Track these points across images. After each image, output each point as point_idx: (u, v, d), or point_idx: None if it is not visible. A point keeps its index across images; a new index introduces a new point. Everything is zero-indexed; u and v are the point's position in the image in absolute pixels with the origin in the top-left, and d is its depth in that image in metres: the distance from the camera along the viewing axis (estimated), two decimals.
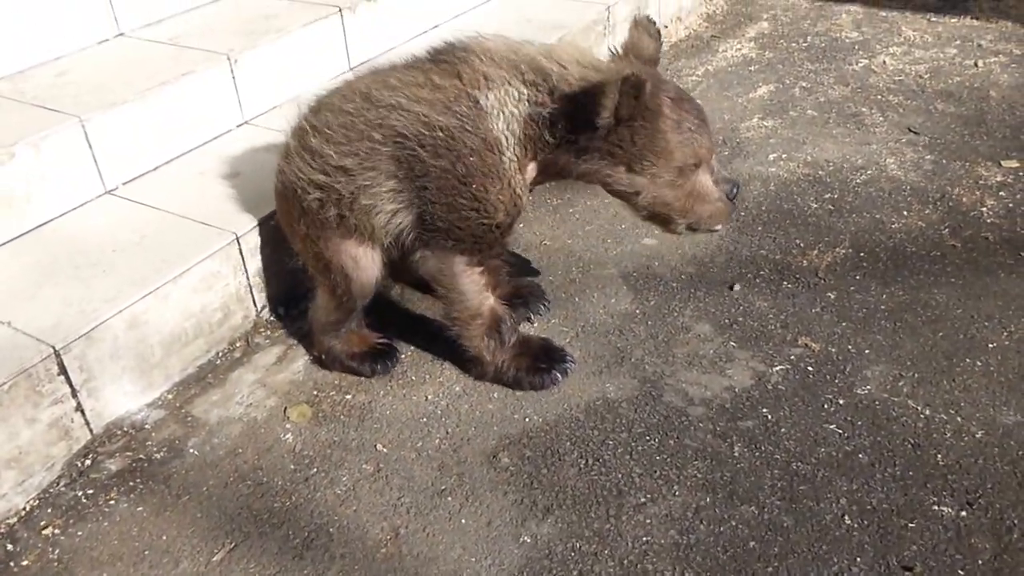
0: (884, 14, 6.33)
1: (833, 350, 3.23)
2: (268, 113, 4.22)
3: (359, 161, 2.81)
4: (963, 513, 2.61)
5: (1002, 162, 4.38)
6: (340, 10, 4.48)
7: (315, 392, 3.17)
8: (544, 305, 3.50)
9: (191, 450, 2.98)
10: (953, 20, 6.16)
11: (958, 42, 5.80)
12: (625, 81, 2.58)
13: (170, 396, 3.19)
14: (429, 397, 3.12)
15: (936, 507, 2.63)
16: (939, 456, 2.80)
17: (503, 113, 2.76)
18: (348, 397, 3.14)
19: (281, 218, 3.19)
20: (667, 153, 2.76)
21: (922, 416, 2.94)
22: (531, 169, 2.89)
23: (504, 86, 2.76)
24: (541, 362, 3.14)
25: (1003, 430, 2.88)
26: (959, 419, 2.93)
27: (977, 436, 2.86)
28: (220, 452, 2.96)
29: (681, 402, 3.04)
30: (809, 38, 6.00)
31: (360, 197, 2.85)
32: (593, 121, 2.68)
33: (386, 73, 2.92)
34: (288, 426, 3.04)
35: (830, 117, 4.91)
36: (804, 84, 5.32)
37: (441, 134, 2.72)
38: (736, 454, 2.84)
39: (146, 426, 3.08)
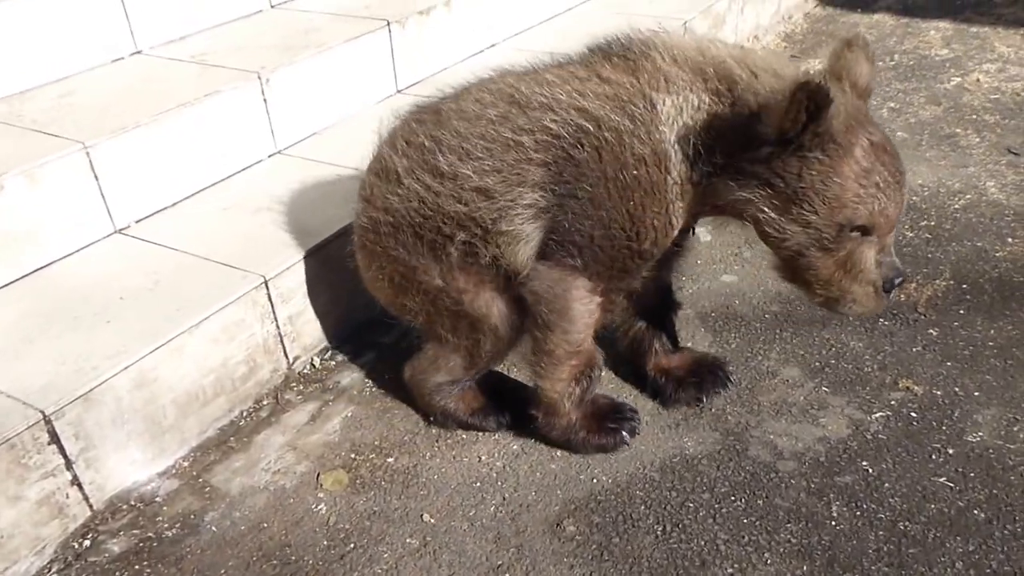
0: (975, 30, 6.27)
1: (938, 393, 3.09)
2: (305, 141, 4.11)
3: (503, 178, 2.56)
4: None
5: None
6: (388, 24, 4.40)
7: (352, 455, 3.03)
8: (725, 388, 3.15)
9: (209, 525, 2.83)
10: None
11: None
12: (801, 88, 2.20)
13: (185, 464, 3.05)
14: (483, 458, 2.98)
15: None
16: None
17: (678, 122, 2.46)
18: (390, 460, 3.00)
19: (380, 278, 2.92)
20: (836, 203, 2.34)
21: None
22: (691, 201, 2.57)
23: (684, 91, 2.46)
24: (610, 421, 2.95)
25: None
26: None
27: None
28: (242, 527, 2.81)
29: (769, 456, 2.90)
30: (896, 56, 5.92)
31: (500, 223, 2.60)
32: (755, 135, 2.36)
33: (533, 72, 2.68)
34: (321, 495, 2.89)
35: (922, 139, 4.79)
36: (893, 104, 5.22)
37: (608, 135, 2.45)
38: (834, 514, 2.68)
39: (156, 499, 2.93)
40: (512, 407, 3.05)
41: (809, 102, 2.21)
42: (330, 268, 3.38)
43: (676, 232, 2.63)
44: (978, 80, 5.44)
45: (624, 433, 2.94)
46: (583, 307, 2.68)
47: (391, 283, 2.89)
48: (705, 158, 2.45)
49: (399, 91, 4.48)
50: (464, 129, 2.61)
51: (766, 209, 2.42)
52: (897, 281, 2.49)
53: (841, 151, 2.31)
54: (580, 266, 2.61)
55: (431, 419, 3.09)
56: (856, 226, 2.38)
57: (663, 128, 2.46)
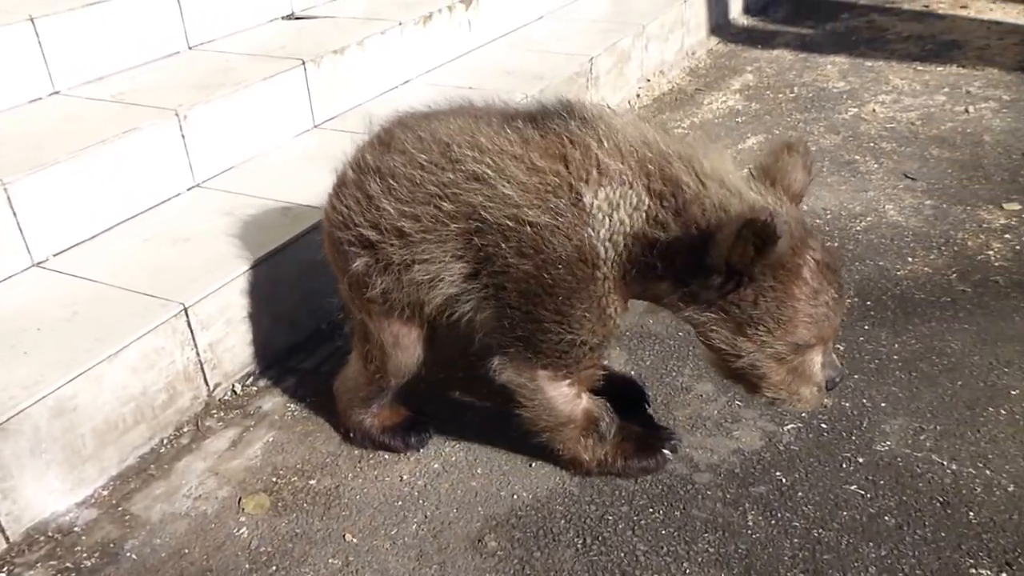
0: (870, 64, 6.38)
1: (847, 405, 3.08)
2: (223, 175, 4.04)
3: (421, 228, 2.46)
4: (1003, 575, 2.43)
5: (1004, 205, 4.33)
6: (303, 63, 4.36)
7: (274, 479, 2.94)
8: (645, 404, 3.11)
9: (128, 553, 2.70)
10: (940, 68, 6.20)
11: (946, 89, 5.82)
12: (747, 225, 2.11)
13: (105, 492, 2.92)
14: (404, 477, 2.91)
15: (973, 570, 2.46)
16: (971, 514, 2.63)
17: (610, 219, 2.32)
18: (312, 482, 2.91)
19: (331, 260, 2.86)
20: (791, 326, 2.30)
21: (948, 471, 2.78)
22: (629, 288, 2.46)
23: (622, 186, 2.32)
24: (647, 443, 2.85)
25: None
26: (988, 472, 2.77)
27: (1009, 490, 2.70)
28: (163, 554, 2.69)
29: (686, 469, 2.86)
30: (796, 88, 5.99)
31: (415, 269, 2.51)
32: (704, 266, 2.26)
33: (475, 124, 2.50)
34: (243, 519, 2.80)
35: (824, 165, 4.84)
36: (794, 134, 5.27)
37: (529, 230, 2.32)
38: (750, 523, 2.65)
39: (75, 529, 2.80)
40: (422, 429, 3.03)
41: (756, 238, 2.13)
42: (250, 296, 3.31)
43: (617, 318, 2.51)
44: (874, 110, 5.52)
45: (666, 451, 2.85)
46: (556, 392, 2.61)
47: (331, 259, 2.85)
48: (643, 262, 2.35)
49: (316, 126, 4.43)
50: (398, 165, 2.51)
51: (718, 329, 2.36)
52: (837, 380, 2.49)
53: (791, 275, 2.26)
54: (535, 360, 2.53)
55: (350, 435, 3.03)
56: (808, 343, 2.36)
57: (592, 224, 2.33)
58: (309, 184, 3.82)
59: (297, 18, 5.05)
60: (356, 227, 2.58)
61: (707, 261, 2.22)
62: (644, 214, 2.31)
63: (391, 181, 2.51)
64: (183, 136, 3.86)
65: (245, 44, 4.68)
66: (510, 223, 2.34)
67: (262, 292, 3.35)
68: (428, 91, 4.85)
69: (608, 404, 2.75)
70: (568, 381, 2.60)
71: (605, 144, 2.36)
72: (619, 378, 3.15)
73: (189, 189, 3.92)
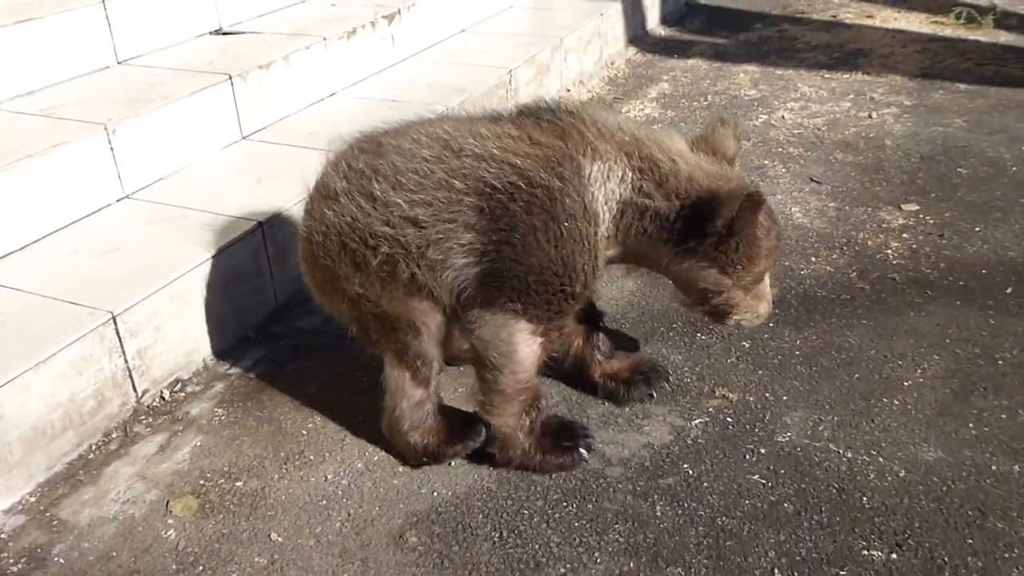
0: (780, 72, 6.47)
1: (751, 399, 3.16)
2: (152, 186, 4.01)
3: (434, 212, 2.63)
4: (893, 556, 2.52)
5: (902, 206, 4.43)
6: (230, 77, 4.36)
7: (202, 481, 2.94)
8: (667, 383, 3.26)
9: (56, 558, 2.68)
10: (846, 76, 6.33)
11: (852, 96, 5.94)
12: (749, 198, 2.58)
13: (33, 499, 2.90)
14: (329, 477, 2.93)
15: (866, 552, 2.54)
16: (864, 499, 2.71)
17: (604, 187, 2.65)
18: (239, 484, 2.92)
19: (317, 283, 2.91)
20: (757, 260, 2.76)
21: (844, 459, 2.86)
22: (613, 251, 2.79)
23: (610, 161, 2.65)
24: (564, 440, 2.94)
25: (925, 467, 2.82)
26: (881, 459, 2.86)
27: (901, 475, 2.79)
28: (91, 557, 2.68)
29: (598, 464, 2.91)
30: (710, 97, 6.07)
31: (429, 251, 2.66)
32: (705, 229, 2.67)
33: (467, 122, 2.78)
34: (170, 521, 2.79)
35: None
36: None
37: (540, 192, 2.58)
38: (659, 514, 2.71)
39: (2, 535, 2.77)
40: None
41: (752, 207, 2.60)
42: (179, 303, 3.31)
43: (602, 274, 2.80)
44: (783, 117, 5.62)
45: (581, 450, 2.93)
46: (528, 348, 2.75)
47: (322, 289, 2.90)
48: (634, 227, 2.72)
49: (244, 137, 4.43)
50: (400, 163, 2.68)
51: (706, 274, 2.77)
52: (776, 296, 3.02)
53: (753, 223, 2.68)
54: (520, 310, 2.68)
55: (424, 461, 2.94)
56: (766, 270, 2.84)
57: (591, 189, 2.63)
58: (236, 194, 3.85)
59: (225, 33, 5.04)
60: (369, 227, 2.69)
61: (710, 226, 2.65)
62: (630, 185, 2.67)
63: (398, 177, 2.67)
64: (112, 149, 3.84)
65: (174, 59, 4.66)
66: (522, 184, 2.58)
67: (190, 300, 3.35)
68: (353, 104, 4.89)
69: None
70: (541, 340, 2.77)
71: (592, 129, 2.68)
72: (645, 361, 3.33)
73: (118, 200, 3.89)
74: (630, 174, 2.66)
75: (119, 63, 4.62)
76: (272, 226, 3.65)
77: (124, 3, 4.59)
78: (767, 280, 2.91)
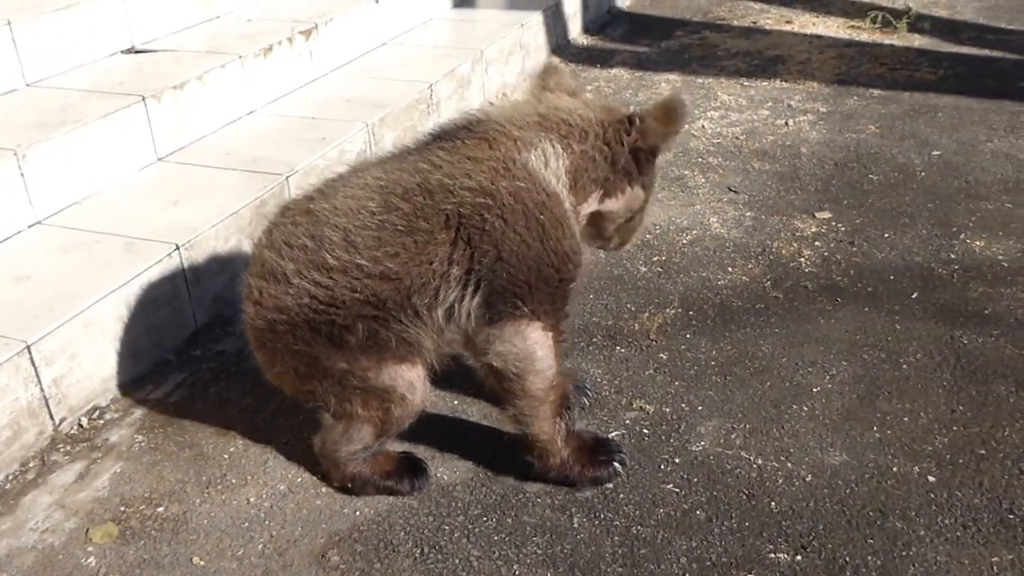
0: (701, 81, 6.63)
1: (667, 410, 3.29)
2: (65, 211, 4.05)
3: (405, 260, 2.64)
4: (798, 558, 2.68)
5: (816, 214, 4.62)
6: (143, 99, 4.40)
7: (122, 508, 3.01)
8: (587, 396, 3.36)
9: None
10: (764, 83, 6.51)
11: (770, 103, 6.13)
12: (680, 102, 2.79)
13: None
14: (251, 500, 3.02)
15: (772, 555, 2.69)
16: (772, 504, 2.87)
17: (549, 168, 2.74)
18: (160, 510, 3.00)
19: (285, 373, 2.88)
20: (652, 185, 3.03)
21: (755, 466, 3.01)
22: (582, 221, 2.95)
23: (541, 144, 2.75)
24: (600, 454, 3.02)
25: (830, 471, 2.98)
26: (789, 465, 3.01)
27: (807, 480, 2.95)
28: None
29: (517, 479, 3.03)
30: (632, 107, 6.13)
31: (412, 299, 2.68)
32: (657, 142, 2.89)
33: (391, 164, 2.81)
34: (91, 549, 2.86)
35: (656, 182, 5.02)
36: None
37: (508, 198, 2.66)
38: (576, 525, 2.83)
39: None
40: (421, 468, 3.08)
41: (681, 110, 2.79)
42: (95, 330, 3.37)
43: (584, 252, 2.90)
44: (703, 126, 5.79)
45: (616, 464, 3.01)
46: (545, 347, 2.81)
47: (297, 374, 2.86)
48: (590, 177, 2.84)
49: (160, 159, 4.48)
50: (346, 223, 2.67)
51: (635, 200, 2.97)
52: None
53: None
54: (528, 313, 2.74)
55: (348, 487, 3.01)
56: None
57: (543, 175, 2.73)
58: (152, 217, 3.91)
59: (138, 52, 5.07)
60: (335, 301, 2.68)
61: (649, 142, 2.85)
62: (566, 153, 2.78)
63: (350, 240, 2.66)
64: (22, 175, 3.87)
65: (84, 80, 4.69)
66: (489, 201, 2.65)
67: (106, 326, 3.41)
68: (272, 122, 4.96)
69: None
70: (552, 335, 2.83)
71: (508, 126, 2.77)
72: (566, 372, 3.32)
73: (30, 227, 3.93)
74: (558, 146, 2.76)
75: (27, 85, 4.65)
76: (189, 248, 3.72)
77: (31, 23, 4.63)
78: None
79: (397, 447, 3.10)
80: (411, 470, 3.05)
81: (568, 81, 3.05)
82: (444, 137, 2.82)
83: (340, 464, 2.98)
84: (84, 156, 4.14)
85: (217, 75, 4.80)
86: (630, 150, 2.85)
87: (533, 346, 2.78)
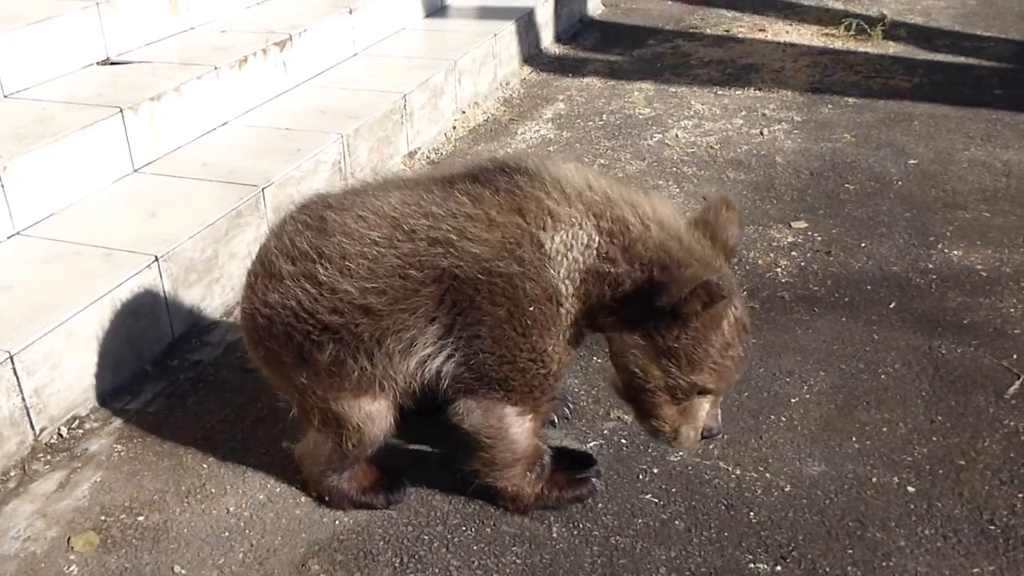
0: (674, 90, 6.70)
1: None
2: (44, 222, 4.07)
3: (390, 301, 2.58)
4: (778, 568, 2.73)
5: (792, 223, 4.68)
6: (121, 110, 4.43)
7: (103, 517, 3.04)
8: (568, 407, 3.36)
9: None
10: (738, 92, 6.59)
11: (744, 112, 6.20)
12: (705, 286, 2.38)
13: None
14: (231, 509, 3.05)
15: (752, 565, 2.74)
16: (752, 514, 2.92)
17: (567, 258, 2.55)
18: (140, 519, 3.03)
19: (261, 361, 2.89)
20: (699, 367, 2.54)
21: (733, 476, 3.06)
22: (582, 322, 2.69)
23: (574, 228, 2.55)
24: (575, 472, 3.01)
25: (809, 481, 3.03)
26: (768, 475, 3.06)
27: (786, 490, 3.00)
28: None
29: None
30: (604, 116, 6.27)
31: (387, 341, 2.63)
32: (651, 304, 2.48)
33: (416, 193, 2.68)
34: (72, 557, 2.89)
35: None
36: (603, 161, 5.54)
37: (500, 281, 2.52)
38: (555, 535, 2.87)
39: None
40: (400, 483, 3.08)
41: (706, 296, 2.40)
42: (75, 340, 3.40)
43: (574, 348, 2.76)
44: (677, 136, 5.85)
45: (594, 480, 3.01)
46: (519, 428, 2.76)
47: (268, 366, 2.88)
48: (596, 294, 2.58)
49: (136, 170, 4.51)
50: (347, 246, 2.62)
51: (637, 353, 2.59)
52: (715, 433, 2.74)
53: (713, 324, 2.51)
54: (503, 398, 2.69)
55: (325, 499, 3.03)
56: (705, 387, 2.60)
57: (552, 266, 2.55)
58: (130, 228, 3.95)
59: (113, 63, 5.10)
60: (315, 315, 2.64)
61: (656, 301, 2.45)
62: (595, 251, 2.55)
63: (345, 263, 2.61)
64: (2, 186, 3.90)
65: (62, 91, 4.72)
66: (482, 276, 2.53)
67: (87, 337, 3.44)
68: (246, 132, 5.00)
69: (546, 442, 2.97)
70: (531, 416, 2.76)
71: (553, 192, 2.58)
72: None
73: (9, 238, 3.95)
74: (596, 238, 2.55)
75: (6, 97, 4.66)
76: (167, 259, 3.75)
77: (8, 36, 4.65)
78: (704, 404, 2.68)
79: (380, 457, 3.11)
80: (388, 485, 3.05)
81: (732, 229, 2.67)
82: (480, 177, 2.67)
83: (316, 476, 3.01)
84: (62, 168, 4.17)
85: (193, 86, 4.84)
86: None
87: (508, 427, 2.75)
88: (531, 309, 2.56)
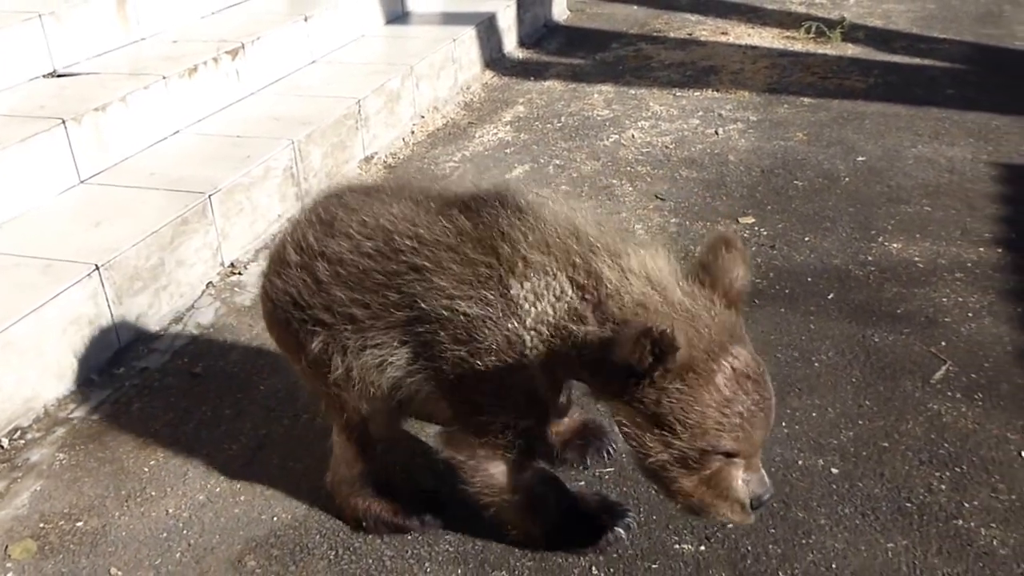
0: (633, 92, 6.83)
1: (579, 408, 3.40)
2: None
3: (371, 315, 2.58)
4: (702, 548, 2.83)
5: (740, 219, 4.80)
6: (64, 122, 4.51)
7: (41, 524, 3.11)
8: (608, 452, 3.20)
9: None
10: (696, 93, 6.72)
11: (701, 113, 6.33)
12: (644, 334, 2.15)
13: None
14: (170, 511, 3.13)
15: (677, 546, 2.84)
16: None
17: (535, 308, 2.41)
18: (79, 524, 3.10)
19: (276, 339, 2.98)
20: (699, 430, 2.26)
21: None
22: (555, 372, 2.53)
23: (544, 277, 2.41)
24: (598, 520, 2.87)
25: None
26: None
27: None
28: None
29: (432, 481, 3.14)
30: (563, 118, 6.39)
31: (366, 353, 2.62)
32: (606, 368, 2.32)
33: (417, 208, 2.63)
34: (9, 565, 2.96)
35: (583, 191, 5.25)
36: (558, 162, 5.65)
37: (463, 320, 2.43)
38: (486, 523, 2.93)
39: None
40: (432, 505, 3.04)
41: (654, 347, 2.17)
42: (13, 351, 3.47)
43: (550, 400, 2.65)
44: (633, 136, 5.97)
45: (619, 529, 2.86)
46: (497, 469, 2.69)
47: (280, 346, 2.98)
48: (564, 352, 2.42)
49: (82, 181, 4.60)
50: (345, 251, 2.62)
51: (627, 423, 2.37)
52: (765, 498, 2.44)
53: (701, 380, 2.24)
54: (479, 443, 2.63)
55: (363, 525, 2.99)
56: (719, 451, 2.31)
57: (518, 313, 2.42)
58: (72, 239, 4.03)
59: (60, 75, 5.19)
60: (311, 308, 2.68)
61: (608, 359, 2.27)
62: (567, 305, 2.40)
63: (339, 268, 2.62)
64: None
65: (4, 104, 4.80)
66: (446, 313, 2.45)
67: (25, 347, 3.52)
68: (197, 141, 5.09)
69: (554, 476, 2.88)
70: (513, 457, 2.66)
71: (531, 237, 2.44)
72: (591, 425, 3.27)
73: None
74: (569, 292, 2.41)
75: None
76: (109, 268, 3.84)
77: None
78: (735, 472, 2.38)
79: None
80: (425, 504, 3.01)
81: (737, 270, 2.40)
82: (472, 206, 2.58)
83: (346, 497, 3.01)
84: (3, 180, 4.25)
85: (140, 96, 4.93)
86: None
87: (481, 463, 2.69)
88: (491, 356, 2.44)
